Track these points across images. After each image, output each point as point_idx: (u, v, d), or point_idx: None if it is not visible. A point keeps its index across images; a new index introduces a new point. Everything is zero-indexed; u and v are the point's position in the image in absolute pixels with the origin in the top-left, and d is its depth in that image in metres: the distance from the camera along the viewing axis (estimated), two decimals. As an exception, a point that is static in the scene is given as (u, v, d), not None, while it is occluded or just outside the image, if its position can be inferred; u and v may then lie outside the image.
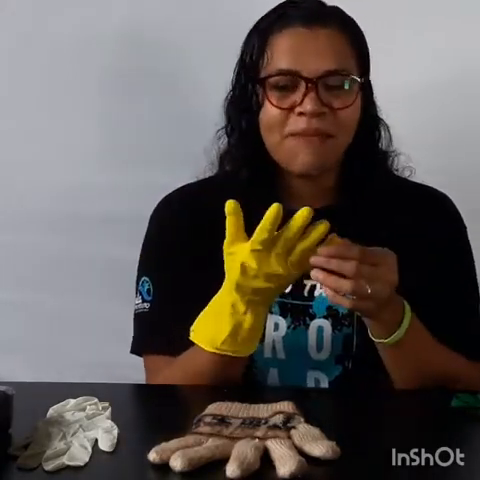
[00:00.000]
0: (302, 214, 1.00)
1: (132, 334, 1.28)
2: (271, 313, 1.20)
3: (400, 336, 1.09)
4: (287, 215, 1.01)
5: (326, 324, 1.21)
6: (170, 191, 1.31)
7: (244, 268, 1.02)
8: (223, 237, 1.05)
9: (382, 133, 1.27)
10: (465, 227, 1.29)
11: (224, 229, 1.05)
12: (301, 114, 1.15)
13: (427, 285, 1.20)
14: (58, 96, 1.65)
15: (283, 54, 1.17)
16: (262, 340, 1.15)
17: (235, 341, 1.07)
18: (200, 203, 1.26)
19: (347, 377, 1.21)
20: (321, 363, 1.21)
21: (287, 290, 1.19)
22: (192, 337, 1.10)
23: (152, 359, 1.24)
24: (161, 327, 1.22)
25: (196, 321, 1.10)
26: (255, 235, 1.01)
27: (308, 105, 1.14)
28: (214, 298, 1.09)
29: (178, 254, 1.24)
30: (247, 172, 1.22)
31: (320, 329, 1.20)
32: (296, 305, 1.22)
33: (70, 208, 1.66)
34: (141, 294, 1.25)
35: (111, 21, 1.64)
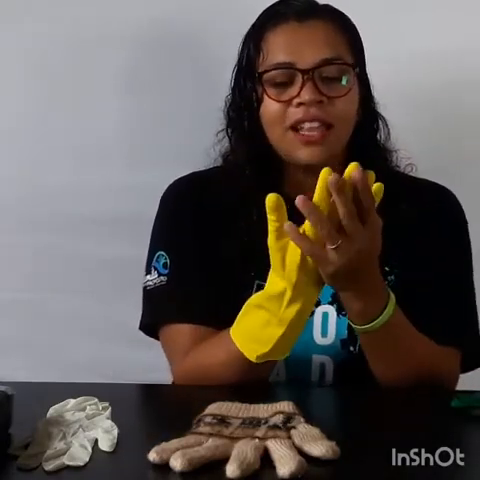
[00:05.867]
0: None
1: (137, 329, 1.28)
2: None
3: (384, 321, 1.08)
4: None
5: (331, 310, 1.22)
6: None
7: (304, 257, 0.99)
8: (227, 227, 1.10)
9: (381, 126, 1.28)
10: (466, 222, 1.29)
11: (228, 219, 1.17)
12: (300, 105, 1.18)
13: (422, 275, 1.21)
14: (57, 97, 1.65)
15: (278, 49, 1.21)
16: None
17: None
18: (208, 189, 1.28)
19: (353, 361, 1.21)
20: (326, 348, 1.22)
21: None
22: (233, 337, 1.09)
23: (189, 328, 1.21)
24: (187, 295, 1.22)
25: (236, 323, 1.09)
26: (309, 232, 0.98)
27: (306, 95, 1.17)
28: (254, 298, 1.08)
29: (192, 231, 1.26)
30: (251, 168, 1.24)
31: (325, 315, 1.22)
32: None
33: (71, 208, 1.66)
34: (156, 269, 1.25)
35: (112, 22, 1.63)
